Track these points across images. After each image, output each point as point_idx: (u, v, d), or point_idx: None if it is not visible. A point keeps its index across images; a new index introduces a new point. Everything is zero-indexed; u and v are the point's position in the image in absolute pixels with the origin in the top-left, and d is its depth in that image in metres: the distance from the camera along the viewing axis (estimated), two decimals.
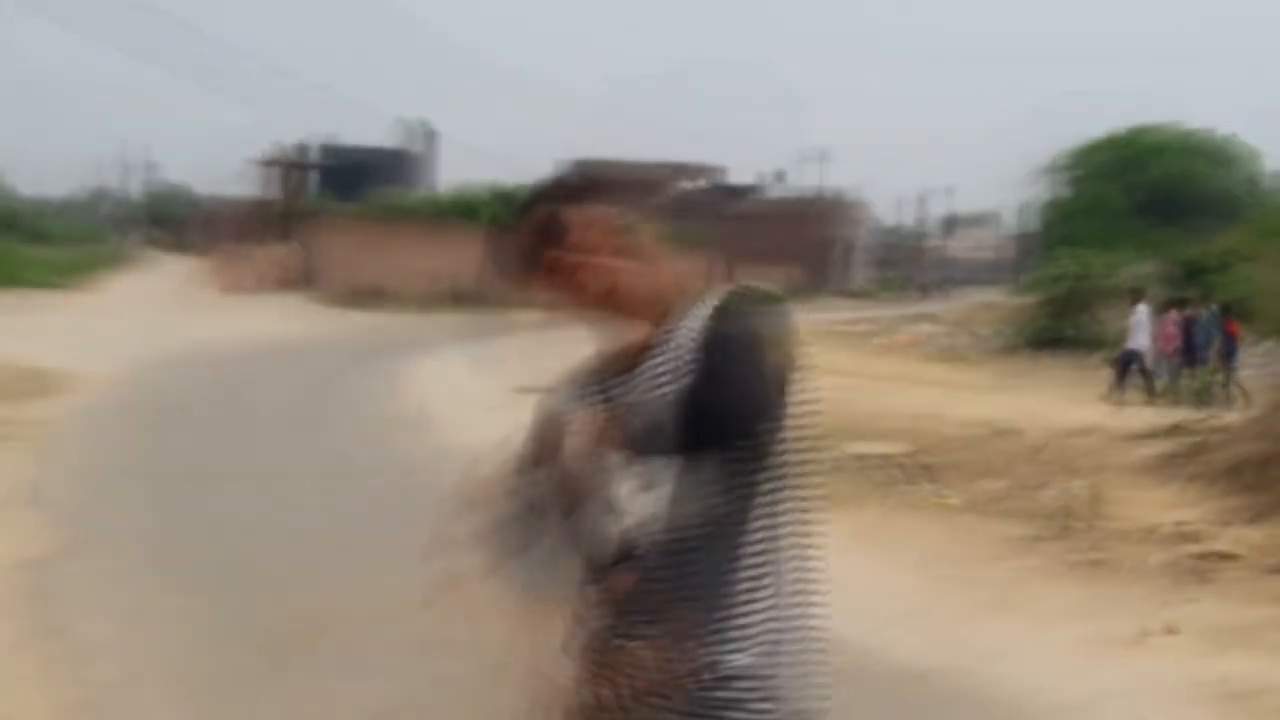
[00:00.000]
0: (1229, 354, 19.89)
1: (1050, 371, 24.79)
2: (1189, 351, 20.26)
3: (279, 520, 8.29)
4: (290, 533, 7.94)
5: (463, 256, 44.29)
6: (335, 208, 47.24)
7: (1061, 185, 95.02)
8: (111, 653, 5.47)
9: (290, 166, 52.31)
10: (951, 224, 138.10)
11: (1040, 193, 74.48)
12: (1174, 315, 21.10)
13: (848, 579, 7.18)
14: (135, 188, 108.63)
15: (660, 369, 2.09)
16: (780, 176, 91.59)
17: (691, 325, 2.08)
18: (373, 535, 8.01)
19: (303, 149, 54.72)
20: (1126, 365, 19.37)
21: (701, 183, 79.04)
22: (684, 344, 2.07)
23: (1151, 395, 18.60)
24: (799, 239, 70.22)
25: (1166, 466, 10.67)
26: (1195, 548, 8.13)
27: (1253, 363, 23.92)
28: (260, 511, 8.53)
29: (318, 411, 14.02)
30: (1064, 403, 17.84)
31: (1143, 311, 20.12)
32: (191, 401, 14.19)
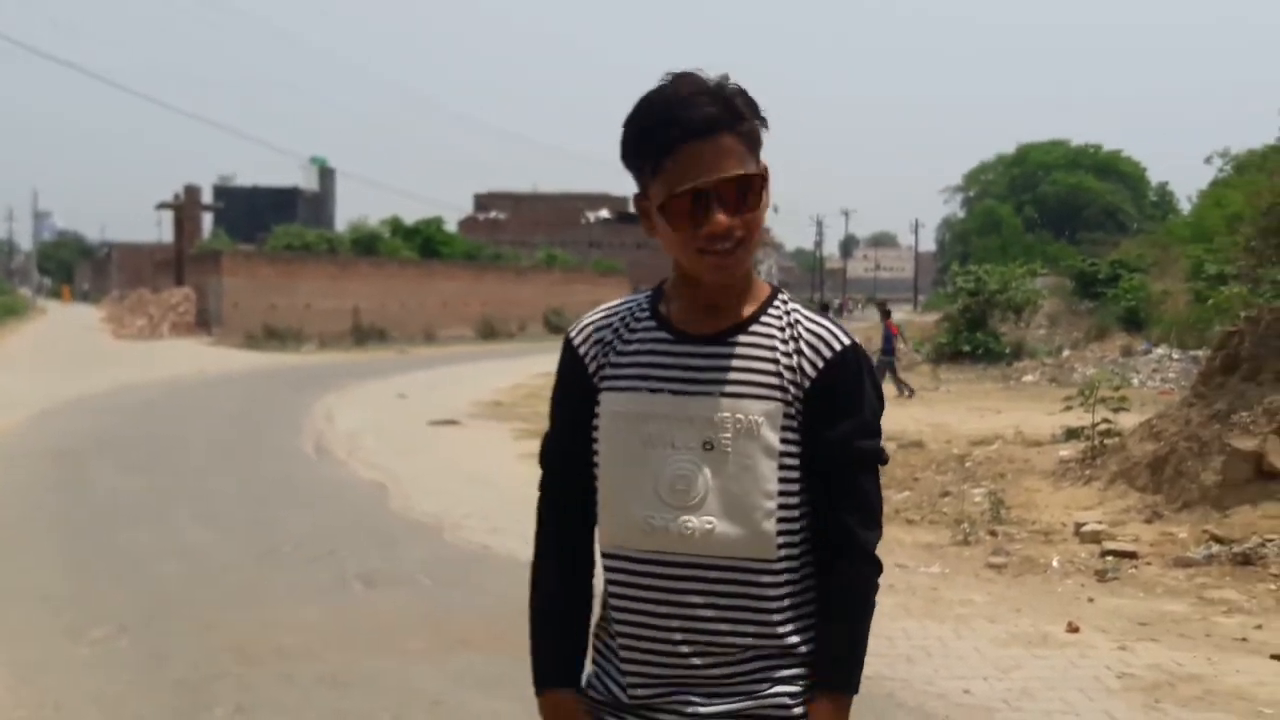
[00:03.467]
0: (887, 349, 23.18)
1: (952, 384, 25.20)
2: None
3: (191, 558, 8.11)
4: (203, 571, 7.77)
5: (363, 292, 43.95)
6: (231, 249, 46.50)
7: (956, 205, 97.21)
8: (10, 707, 5.29)
9: (184, 209, 51.42)
10: (850, 245, 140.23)
11: (936, 213, 76.06)
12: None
13: None
14: (25, 237, 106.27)
15: (754, 364, 1.96)
16: None
17: (780, 333, 1.98)
18: (282, 569, 7.88)
19: (195, 190, 53.86)
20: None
21: (604, 213, 79.33)
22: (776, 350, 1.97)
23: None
24: None
25: (1066, 471, 10.90)
26: (1097, 547, 8.32)
27: (1146, 368, 24.62)
28: (170, 549, 8.34)
29: (224, 450, 13.76)
30: (965, 414, 18.15)
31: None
32: (92, 447, 13.84)
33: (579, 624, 2.09)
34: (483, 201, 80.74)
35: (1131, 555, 8.08)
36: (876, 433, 2.01)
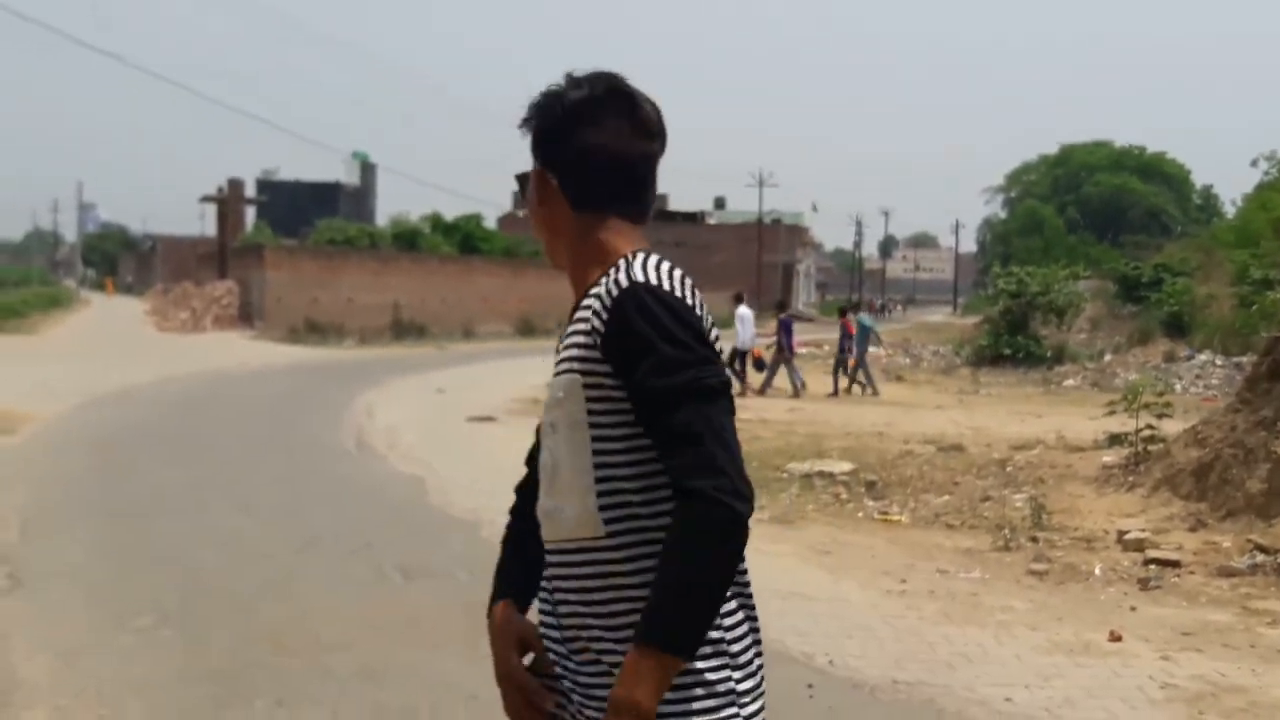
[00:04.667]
0: (841, 347, 23.79)
1: (992, 388, 25.03)
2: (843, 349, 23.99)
3: (230, 548, 8.17)
4: (242, 561, 7.83)
5: (404, 287, 44.13)
6: (274, 243, 46.82)
7: (997, 206, 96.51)
8: (53, 692, 5.34)
9: (227, 202, 51.82)
10: (889, 245, 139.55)
11: (977, 213, 75.58)
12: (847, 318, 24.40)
13: (801, 594, 7.21)
14: (70, 228, 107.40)
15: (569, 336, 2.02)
16: (720, 203, 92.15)
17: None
18: (320, 560, 7.93)
19: (239, 184, 54.25)
20: (732, 360, 21.66)
21: None
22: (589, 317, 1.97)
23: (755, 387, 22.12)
24: (741, 264, 70.55)
25: (1108, 477, 10.79)
26: (1140, 555, 8.23)
27: (1189, 374, 24.35)
28: (210, 539, 8.40)
29: (265, 442, 13.86)
30: (1005, 418, 18.02)
31: (745, 312, 22.87)
32: (135, 438, 13.97)
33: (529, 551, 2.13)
34: (521, 197, 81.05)
35: (1175, 564, 7.98)
36: (682, 365, 1.84)
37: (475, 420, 16.78)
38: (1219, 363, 25.21)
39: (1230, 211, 61.48)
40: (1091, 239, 77.56)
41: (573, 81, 2.07)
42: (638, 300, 1.87)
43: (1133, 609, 7.11)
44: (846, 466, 12.19)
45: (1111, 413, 11.50)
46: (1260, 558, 7.88)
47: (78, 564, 7.84)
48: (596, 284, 1.97)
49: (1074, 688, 5.59)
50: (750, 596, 1.98)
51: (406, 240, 49.71)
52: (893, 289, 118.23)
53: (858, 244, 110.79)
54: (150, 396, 18.91)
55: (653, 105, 2.09)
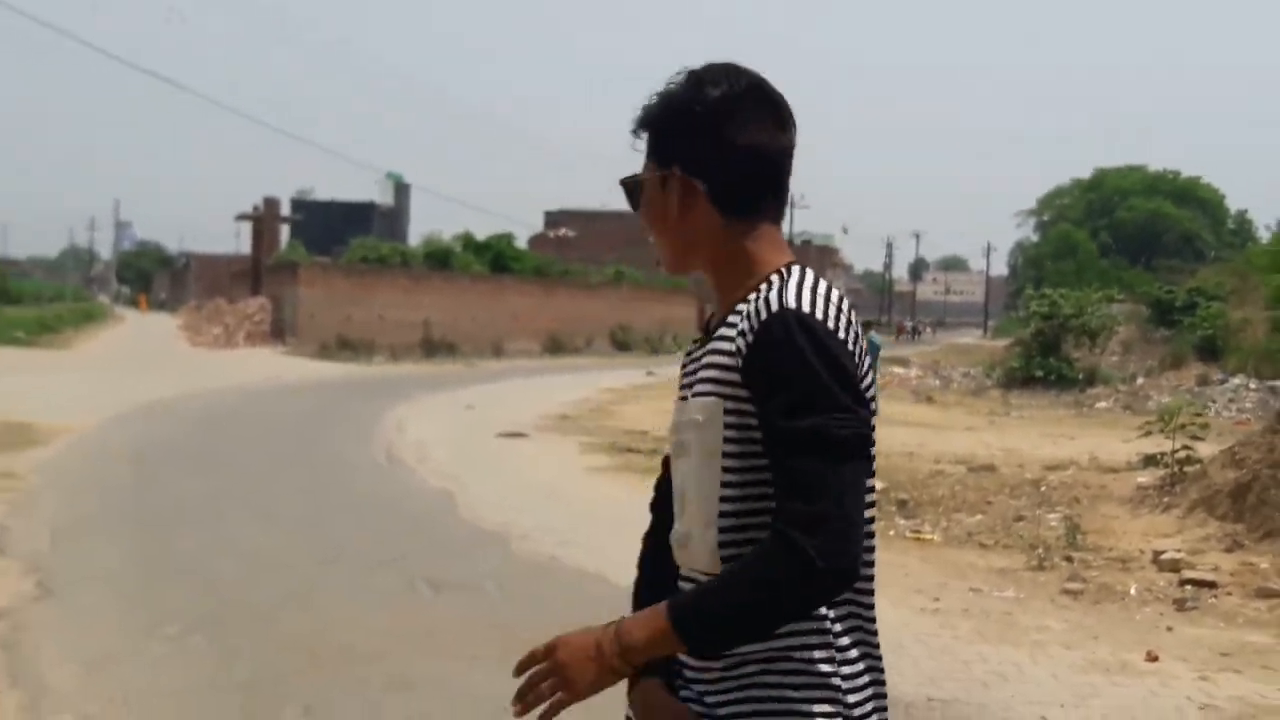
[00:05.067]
0: None
1: (1024, 410, 24.86)
2: None
3: (258, 559, 8.17)
4: (271, 572, 7.83)
5: (435, 305, 44.28)
6: (308, 260, 47.09)
7: (1029, 229, 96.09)
8: (81, 700, 5.34)
9: (262, 220, 52.18)
10: (919, 268, 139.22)
11: (1009, 236, 75.34)
12: None
13: None
14: (107, 247, 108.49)
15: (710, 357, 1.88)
16: None
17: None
18: (350, 572, 7.92)
19: (274, 203, 54.63)
20: None
21: None
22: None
23: None
24: None
25: (1144, 498, 10.67)
26: (1176, 575, 8.12)
27: (1223, 398, 24.13)
28: (238, 550, 8.41)
29: (295, 455, 13.89)
30: (1037, 439, 17.88)
31: None
32: (164, 450, 14.04)
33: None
34: (553, 218, 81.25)
35: (1211, 585, 7.87)
36: (813, 409, 1.70)
37: (505, 436, 16.78)
38: (1253, 386, 24.99)
39: (1265, 236, 61.12)
40: (1125, 264, 77.06)
41: (700, 77, 1.90)
42: (785, 327, 1.74)
43: (1169, 629, 7.01)
44: (877, 485, 12.09)
45: (1147, 433, 11.39)
46: None
47: (106, 573, 7.86)
48: (745, 300, 1.83)
49: (1111, 707, 5.50)
50: (877, 649, 1.87)
51: (439, 259, 49.88)
52: (923, 311, 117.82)
53: (888, 266, 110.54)
54: (180, 410, 19.00)
55: (782, 96, 1.95)
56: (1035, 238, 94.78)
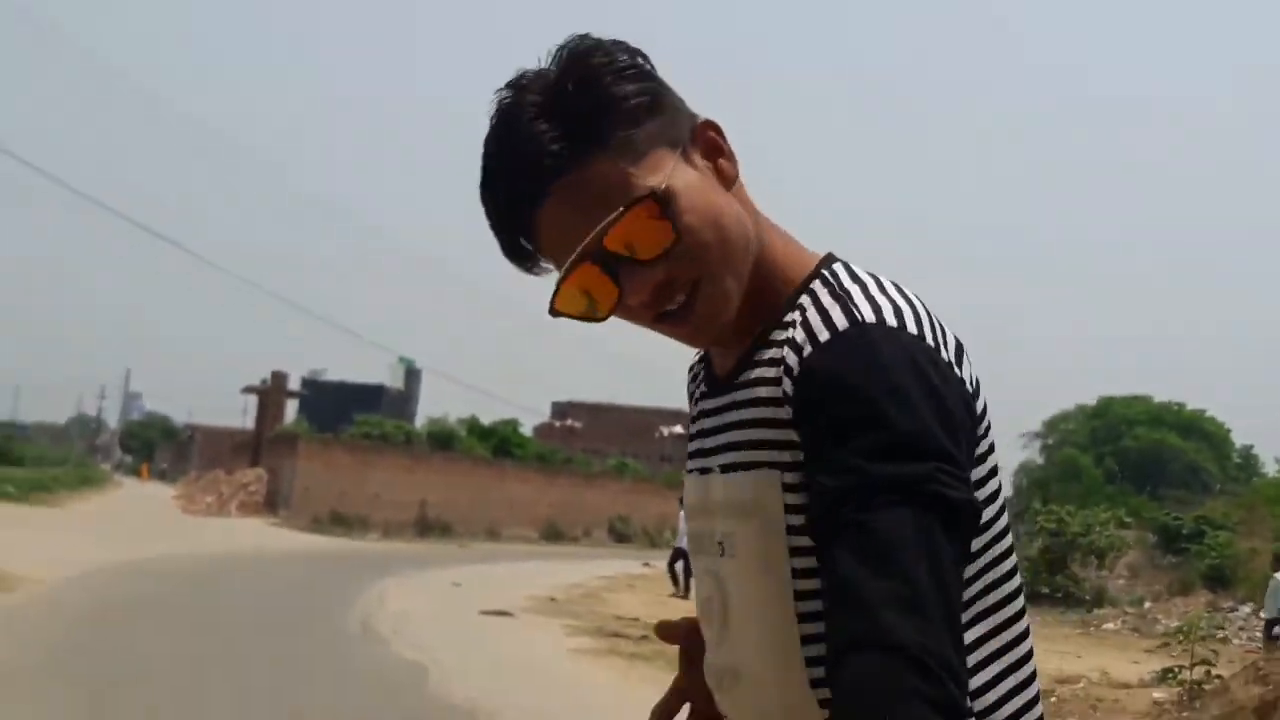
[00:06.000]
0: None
1: (1032, 625, 24.10)
2: None
3: None
4: None
5: (433, 485, 43.84)
6: (310, 434, 46.94)
7: (1034, 451, 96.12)
8: None
9: (268, 393, 52.27)
10: None
11: (1013, 457, 75.33)
12: None
13: None
14: (114, 416, 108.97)
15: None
16: None
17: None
18: None
19: (281, 376, 54.83)
20: (674, 561, 21.34)
21: (677, 428, 79.52)
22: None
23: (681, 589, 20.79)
24: None
25: (1161, 713, 10.06)
26: None
27: (1232, 626, 23.48)
28: (195, 715, 7.85)
29: (267, 620, 13.30)
30: (1044, 655, 17.17)
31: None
32: (132, 608, 13.47)
33: None
34: (560, 409, 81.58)
35: None
36: (916, 454, 1.12)
37: (489, 614, 16.15)
38: (1263, 616, 24.37)
39: (1271, 468, 61.01)
40: (1130, 490, 76.66)
41: (578, 57, 1.26)
42: (870, 350, 1.18)
43: None
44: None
45: (1165, 644, 10.86)
46: None
47: None
48: (779, 327, 1.28)
49: None
50: None
51: (441, 440, 49.81)
52: None
53: None
54: (157, 570, 18.42)
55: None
56: (1040, 460, 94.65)
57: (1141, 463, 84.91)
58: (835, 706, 1.08)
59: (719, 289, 1.26)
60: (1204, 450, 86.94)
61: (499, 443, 52.30)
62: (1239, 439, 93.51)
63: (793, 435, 1.21)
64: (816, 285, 1.28)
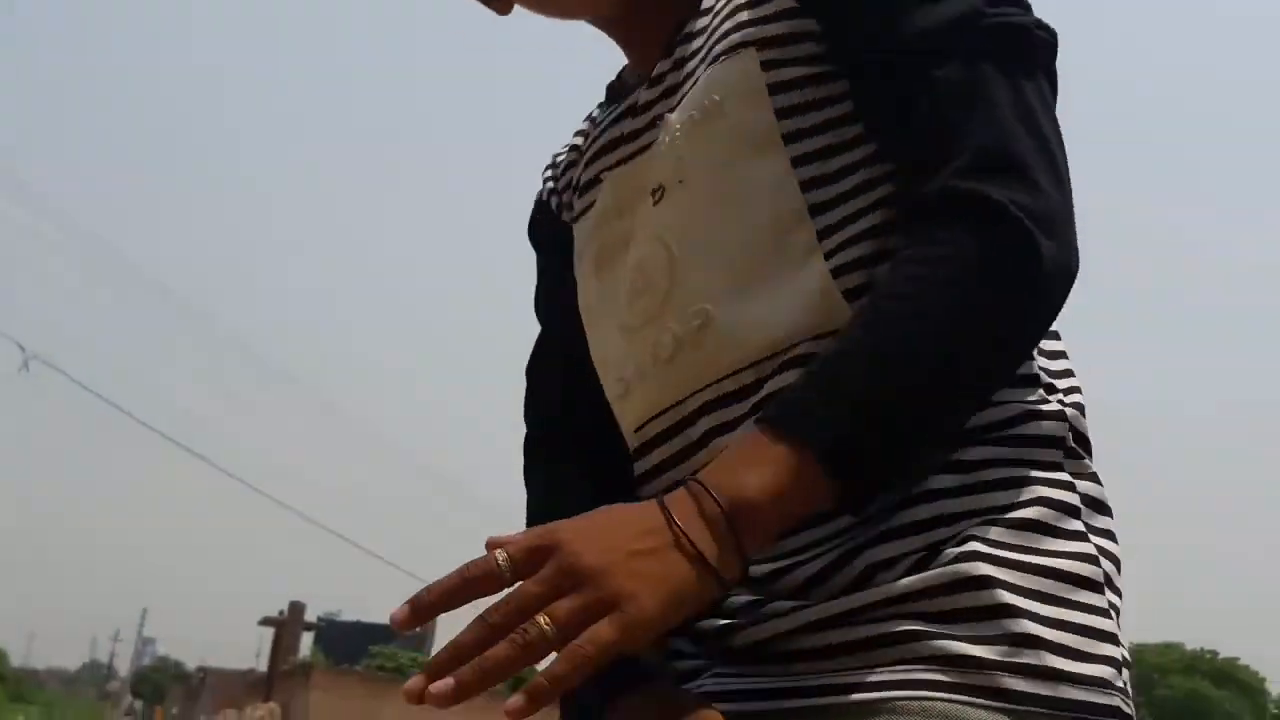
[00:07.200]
0: None
1: None
2: None
3: None
4: None
5: (449, 716, 43.11)
6: (324, 666, 46.46)
7: None
8: None
9: (285, 625, 51.88)
10: None
11: None
12: None
13: None
14: (125, 661, 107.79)
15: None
16: None
17: None
18: None
19: (299, 607, 54.54)
20: None
21: None
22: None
23: None
24: None
25: None
26: None
27: None
28: None
29: None
30: None
31: None
32: None
33: None
34: None
35: None
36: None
37: None
38: None
39: None
40: None
41: None
42: None
43: None
44: None
45: None
46: None
47: None
48: None
49: None
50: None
51: None
52: None
53: None
54: None
55: None
56: None
57: (1177, 714, 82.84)
58: (929, 260, 0.85)
59: None
60: (1238, 699, 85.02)
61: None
62: (1274, 688, 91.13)
63: (783, 5, 0.99)
64: None
